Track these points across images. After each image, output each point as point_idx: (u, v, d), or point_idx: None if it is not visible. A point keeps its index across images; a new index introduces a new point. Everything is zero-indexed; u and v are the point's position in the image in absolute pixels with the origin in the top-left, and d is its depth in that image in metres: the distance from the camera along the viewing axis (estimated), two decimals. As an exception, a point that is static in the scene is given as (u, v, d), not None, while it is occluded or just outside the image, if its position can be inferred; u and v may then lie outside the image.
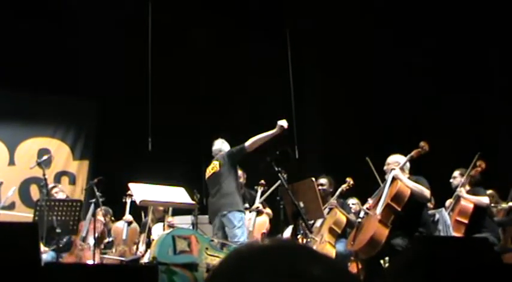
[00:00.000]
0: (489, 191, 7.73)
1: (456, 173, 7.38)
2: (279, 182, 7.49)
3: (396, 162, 6.36)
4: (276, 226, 7.20)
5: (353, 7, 10.12)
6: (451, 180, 7.37)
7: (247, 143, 6.83)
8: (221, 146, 7.27)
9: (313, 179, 6.50)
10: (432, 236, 6.17)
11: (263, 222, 8.13)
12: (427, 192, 6.04)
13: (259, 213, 8.25)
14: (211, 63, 10.15)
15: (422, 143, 6.28)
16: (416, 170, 6.48)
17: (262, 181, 8.28)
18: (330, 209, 7.50)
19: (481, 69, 9.65)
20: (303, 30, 10.56)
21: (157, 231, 7.60)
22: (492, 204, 7.45)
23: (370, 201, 6.45)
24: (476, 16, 9.47)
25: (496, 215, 7.50)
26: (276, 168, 5.69)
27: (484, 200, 7.01)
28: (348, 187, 7.86)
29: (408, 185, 6.01)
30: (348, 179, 7.87)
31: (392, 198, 6.01)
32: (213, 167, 7.05)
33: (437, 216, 6.73)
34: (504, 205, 7.62)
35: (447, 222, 6.63)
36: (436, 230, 6.55)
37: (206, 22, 10.19)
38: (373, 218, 6.06)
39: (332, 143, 9.96)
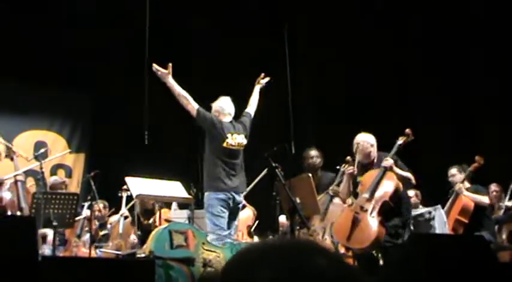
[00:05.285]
0: (494, 185, 7.74)
1: (454, 170, 7.34)
2: (261, 176, 7.54)
3: (365, 142, 6.36)
4: (273, 221, 7.21)
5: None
6: (451, 179, 7.34)
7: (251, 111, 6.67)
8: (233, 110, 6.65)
9: (310, 174, 6.53)
10: (427, 233, 6.22)
11: (247, 215, 8.16)
12: (412, 178, 6.20)
13: (242, 207, 8.24)
14: (209, 57, 10.14)
15: (407, 130, 6.39)
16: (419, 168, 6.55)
17: None
18: (332, 197, 7.30)
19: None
20: (300, 25, 10.59)
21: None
22: (499, 203, 7.47)
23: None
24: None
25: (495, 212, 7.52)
26: (273, 164, 5.71)
27: (485, 199, 7.02)
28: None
29: (399, 175, 6.12)
30: (347, 158, 7.64)
31: (391, 196, 6.07)
32: (242, 139, 6.46)
33: (433, 213, 6.75)
34: (505, 203, 7.60)
35: (443, 219, 6.64)
36: (432, 228, 6.57)
37: (205, 16, 10.20)
38: (370, 216, 6.01)
39: (329, 139, 9.96)
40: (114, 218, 8.33)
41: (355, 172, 6.31)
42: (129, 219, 8.28)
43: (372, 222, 5.98)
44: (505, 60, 9.17)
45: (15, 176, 6.90)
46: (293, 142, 9.01)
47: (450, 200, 7.13)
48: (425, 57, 10.15)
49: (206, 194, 6.14)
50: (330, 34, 10.26)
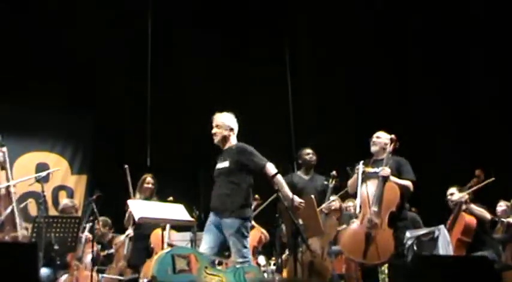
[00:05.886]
0: (503, 202, 7.66)
1: (453, 189, 7.33)
2: (273, 197, 7.50)
3: (386, 138, 6.55)
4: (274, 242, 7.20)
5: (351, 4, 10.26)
6: (449, 197, 7.32)
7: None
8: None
9: (312, 196, 6.52)
10: (431, 254, 6.20)
11: (254, 236, 8.10)
12: (411, 186, 6.32)
13: (251, 227, 8.17)
14: (209, 57, 10.12)
15: (392, 136, 6.49)
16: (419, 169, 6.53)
17: (257, 196, 8.10)
18: (326, 215, 7.36)
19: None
20: (300, 25, 10.63)
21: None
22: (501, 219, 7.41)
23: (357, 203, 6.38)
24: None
25: (495, 232, 7.46)
26: (276, 187, 5.73)
27: (487, 215, 7.02)
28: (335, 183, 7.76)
29: (399, 184, 6.25)
30: (333, 173, 7.66)
31: (397, 205, 6.20)
32: None
33: (436, 233, 6.68)
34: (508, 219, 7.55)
35: (447, 239, 6.59)
36: (436, 248, 6.53)
37: (205, 17, 10.21)
38: (382, 230, 6.08)
39: (331, 146, 9.92)
40: (119, 239, 8.24)
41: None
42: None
43: (386, 236, 6.09)
44: (505, 60, 9.22)
45: (7, 187, 6.82)
46: (295, 162, 9.01)
47: (452, 216, 7.05)
48: (425, 57, 10.18)
49: (239, 220, 5.88)
50: (330, 34, 10.29)
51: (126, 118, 10.02)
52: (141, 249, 7.73)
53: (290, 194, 5.81)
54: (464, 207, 7.03)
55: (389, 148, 6.43)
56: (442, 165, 9.26)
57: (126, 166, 7.96)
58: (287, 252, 7.59)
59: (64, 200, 8.52)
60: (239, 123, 6.33)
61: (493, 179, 7.08)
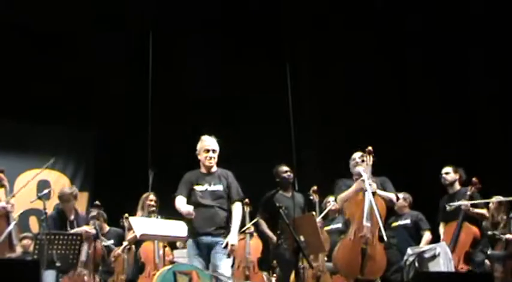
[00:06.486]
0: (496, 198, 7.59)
1: (449, 169, 7.29)
2: (254, 221, 7.51)
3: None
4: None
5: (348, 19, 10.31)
6: (444, 176, 7.29)
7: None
8: None
9: (314, 213, 6.56)
10: (432, 271, 6.22)
11: (257, 245, 8.09)
12: (395, 199, 6.57)
13: (251, 236, 8.14)
14: (209, 61, 10.17)
15: (369, 149, 6.46)
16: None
17: (247, 200, 7.88)
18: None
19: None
20: (301, 30, 10.69)
21: None
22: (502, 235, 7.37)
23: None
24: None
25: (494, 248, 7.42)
26: (277, 204, 5.75)
27: (487, 213, 7.05)
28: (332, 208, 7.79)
29: (383, 197, 6.39)
30: (314, 189, 7.78)
31: (384, 218, 6.33)
32: None
33: (438, 249, 6.69)
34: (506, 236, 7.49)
35: (448, 255, 6.59)
36: (437, 265, 6.53)
37: (204, 18, 10.27)
38: (375, 246, 6.14)
39: (330, 151, 9.94)
40: (117, 250, 8.14)
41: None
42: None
43: (380, 251, 6.18)
44: (505, 60, 9.26)
45: (5, 208, 6.81)
46: (294, 156, 9.04)
47: (455, 225, 6.99)
48: (424, 57, 10.24)
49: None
50: (330, 34, 10.37)
51: (126, 126, 10.03)
52: (136, 263, 7.76)
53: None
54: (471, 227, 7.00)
55: (368, 160, 6.45)
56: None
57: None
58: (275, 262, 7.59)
59: (62, 189, 8.31)
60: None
61: (511, 198, 6.96)
